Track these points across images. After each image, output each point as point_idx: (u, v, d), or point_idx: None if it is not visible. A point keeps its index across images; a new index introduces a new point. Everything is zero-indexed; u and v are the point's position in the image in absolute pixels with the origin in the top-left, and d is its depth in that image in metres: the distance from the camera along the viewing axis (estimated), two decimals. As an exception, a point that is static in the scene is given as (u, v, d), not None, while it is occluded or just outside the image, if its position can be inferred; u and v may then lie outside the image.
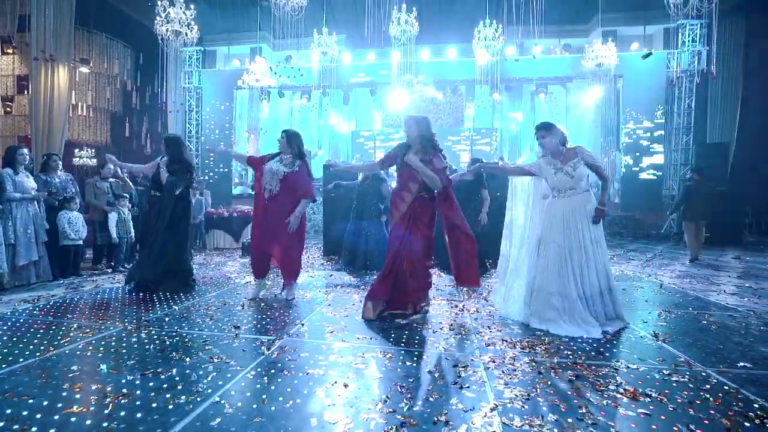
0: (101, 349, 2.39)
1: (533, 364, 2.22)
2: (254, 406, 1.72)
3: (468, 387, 1.92)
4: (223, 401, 1.76)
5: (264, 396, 1.80)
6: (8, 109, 10.86)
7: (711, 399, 1.83)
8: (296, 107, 16.46)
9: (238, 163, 3.62)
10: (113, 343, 2.48)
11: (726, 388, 1.95)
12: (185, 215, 4.03)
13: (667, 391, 1.90)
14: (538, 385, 1.95)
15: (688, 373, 2.12)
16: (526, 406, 1.75)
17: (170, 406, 1.71)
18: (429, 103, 16.12)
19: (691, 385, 1.97)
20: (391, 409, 1.70)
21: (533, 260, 2.90)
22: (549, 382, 1.98)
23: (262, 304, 3.47)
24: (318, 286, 4.28)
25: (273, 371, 2.07)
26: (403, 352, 2.39)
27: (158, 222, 3.89)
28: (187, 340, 2.56)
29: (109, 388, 1.86)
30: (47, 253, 4.56)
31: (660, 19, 10.98)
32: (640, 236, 9.89)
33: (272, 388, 1.89)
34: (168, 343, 2.50)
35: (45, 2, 10.00)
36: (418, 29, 10.34)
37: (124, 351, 2.35)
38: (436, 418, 1.63)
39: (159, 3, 7.32)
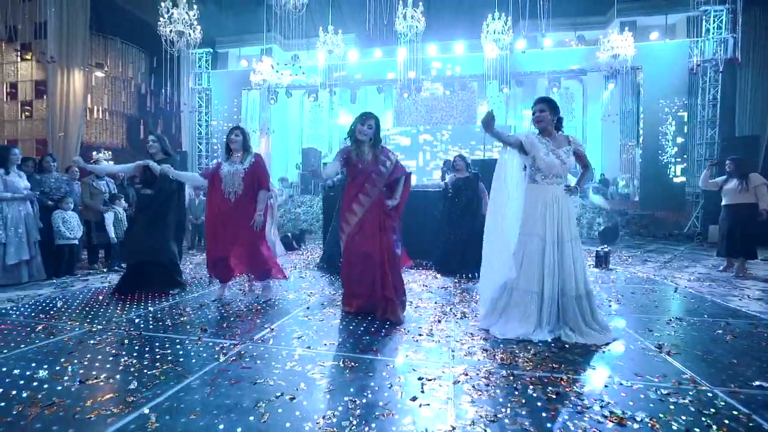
0: (56, 352, 2.28)
1: (510, 378, 1.97)
2: (182, 420, 1.55)
3: (428, 404, 1.69)
4: (151, 414, 1.60)
5: (197, 409, 1.63)
6: (27, 113, 11.25)
7: (714, 426, 1.55)
8: (307, 107, 16.49)
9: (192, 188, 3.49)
10: (70, 345, 2.37)
11: (735, 412, 1.66)
12: (176, 207, 3.90)
13: (661, 415, 1.62)
14: (509, 404, 1.71)
15: (691, 392, 1.83)
16: (488, 430, 1.51)
17: (92, 418, 1.56)
18: (441, 101, 15.87)
19: (692, 408, 1.69)
20: (332, 429, 1.50)
21: (507, 255, 2.61)
22: (523, 401, 1.74)
23: (241, 307, 3.33)
24: (304, 287, 4.12)
25: (219, 380, 1.90)
26: (368, 360, 2.18)
27: (146, 215, 3.75)
28: (146, 342, 2.42)
29: (39, 396, 1.74)
30: (41, 252, 4.58)
31: (682, 6, 10.39)
32: (661, 236, 9.34)
33: (210, 399, 1.72)
34: (126, 345, 2.38)
35: (60, 10, 10.30)
36: (425, 25, 10.11)
37: (76, 354, 2.23)
38: (378, 442, 1.42)
39: (162, 4, 7.35)
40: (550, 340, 2.48)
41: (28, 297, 3.68)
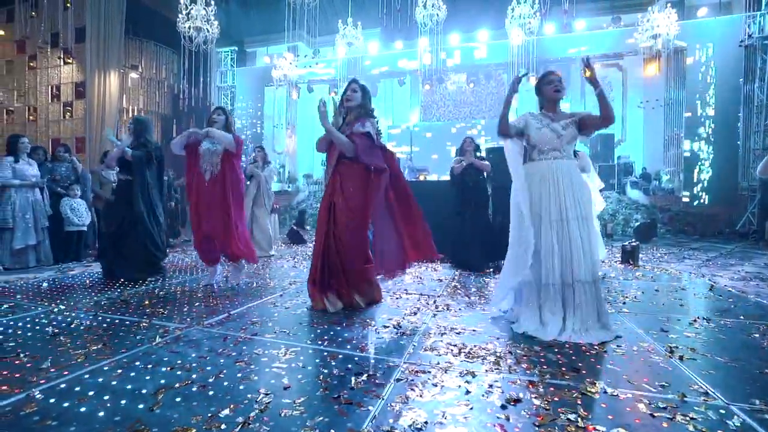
0: (6, 331, 2.22)
1: (468, 377, 1.64)
2: (65, 404, 1.38)
3: (350, 404, 1.41)
4: (38, 396, 1.43)
5: (90, 393, 1.46)
6: (69, 113, 11.99)
7: (716, 453, 1.15)
8: (332, 103, 16.45)
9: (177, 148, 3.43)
10: (20, 324, 2.30)
11: (752, 436, 1.25)
12: (155, 202, 3.86)
13: (645, 434, 1.24)
14: (449, 410, 1.39)
15: (698, 408, 1.42)
16: (407, 439, 1.21)
17: (-24, 398, 1.42)
18: (469, 95, 15.29)
19: (691, 428, 1.29)
20: (220, 425, 1.26)
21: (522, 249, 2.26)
22: (470, 407, 1.41)
23: (214, 291, 3.18)
24: (291, 276, 3.92)
25: (136, 364, 1.73)
26: (310, 351, 1.92)
27: (132, 208, 3.73)
28: (94, 324, 2.31)
29: (-52, 372, 1.63)
30: (49, 238, 4.72)
31: (739, -22, 9.28)
32: (710, 234, 8.35)
33: (113, 383, 1.54)
34: (74, 326, 2.27)
35: (99, 16, 10.92)
36: (446, 12, 9.71)
37: (19, 332, 2.15)
38: (262, 445, 1.16)
39: (181, 1, 7.52)
40: (554, 338, 2.09)
41: (24, 279, 3.75)
